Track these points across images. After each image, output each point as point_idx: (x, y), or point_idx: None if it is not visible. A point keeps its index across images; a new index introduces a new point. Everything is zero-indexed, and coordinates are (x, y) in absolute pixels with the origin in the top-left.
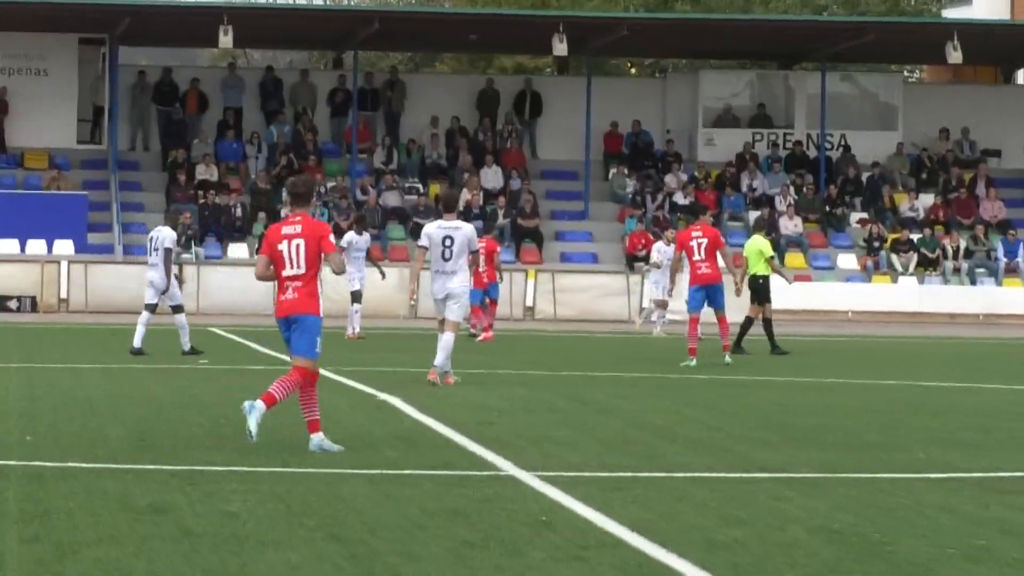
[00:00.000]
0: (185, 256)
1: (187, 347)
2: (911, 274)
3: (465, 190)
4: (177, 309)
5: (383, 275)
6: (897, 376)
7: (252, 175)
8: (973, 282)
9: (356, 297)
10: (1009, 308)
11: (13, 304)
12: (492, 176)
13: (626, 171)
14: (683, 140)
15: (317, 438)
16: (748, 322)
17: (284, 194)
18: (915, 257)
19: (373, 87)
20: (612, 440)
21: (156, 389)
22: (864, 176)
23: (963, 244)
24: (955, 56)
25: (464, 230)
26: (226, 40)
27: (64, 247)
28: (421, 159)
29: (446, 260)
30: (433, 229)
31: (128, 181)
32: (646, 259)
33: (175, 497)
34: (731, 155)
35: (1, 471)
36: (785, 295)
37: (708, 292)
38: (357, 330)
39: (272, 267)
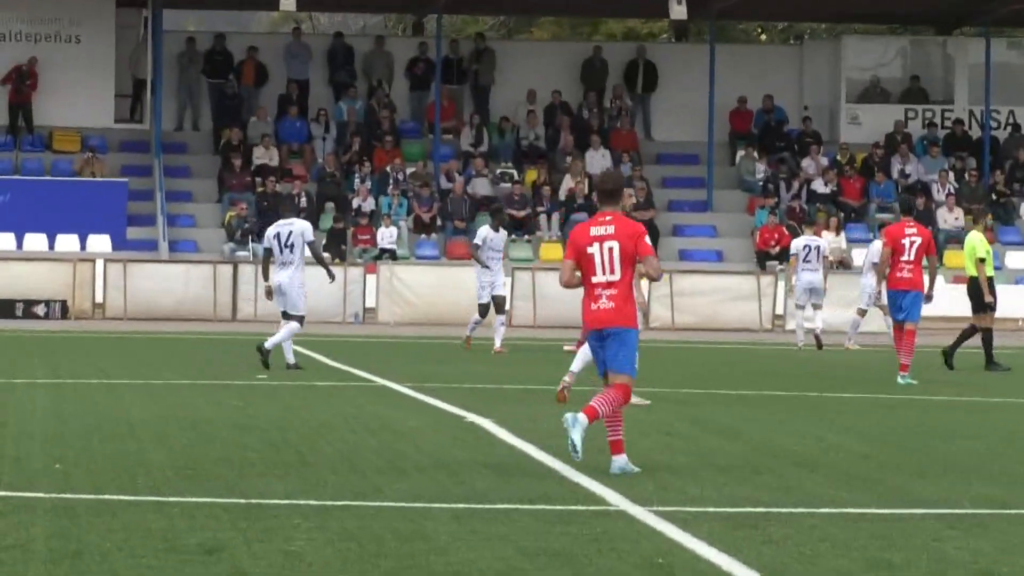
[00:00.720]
0: (240, 254)
1: (292, 360)
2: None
3: (568, 176)
4: (298, 318)
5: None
6: None
7: (319, 159)
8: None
9: (499, 306)
10: None
11: (41, 309)
12: (599, 160)
13: (756, 154)
14: (823, 118)
15: (621, 460)
16: (972, 331)
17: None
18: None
19: (459, 56)
20: (740, 470)
21: (206, 409)
22: None
23: None
24: None
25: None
26: (288, 2)
27: (100, 243)
28: (516, 140)
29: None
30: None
31: (174, 166)
32: (780, 257)
33: (229, 535)
34: (879, 135)
35: (27, 504)
36: (940, 300)
37: (908, 299)
38: (498, 345)
39: (578, 273)
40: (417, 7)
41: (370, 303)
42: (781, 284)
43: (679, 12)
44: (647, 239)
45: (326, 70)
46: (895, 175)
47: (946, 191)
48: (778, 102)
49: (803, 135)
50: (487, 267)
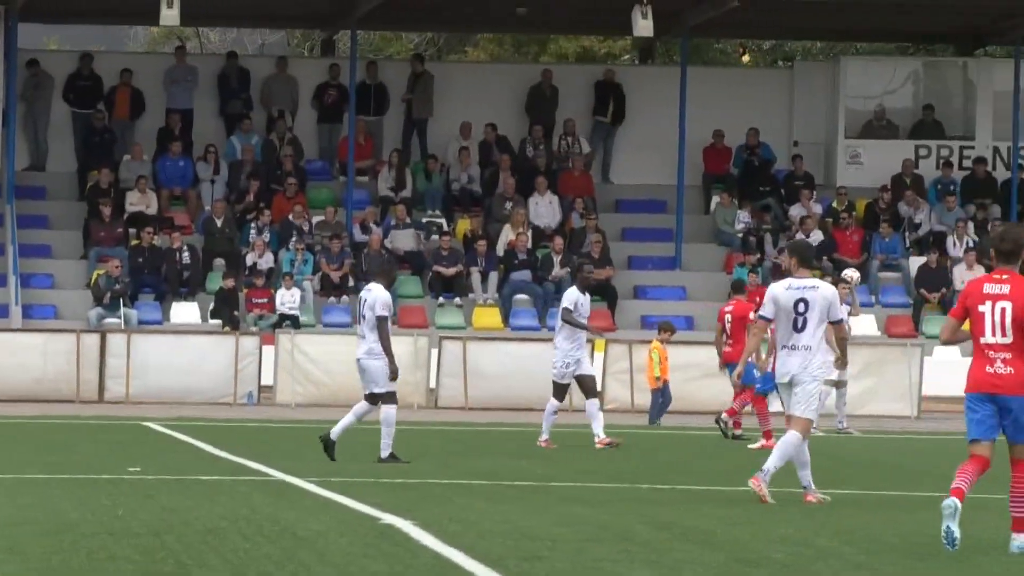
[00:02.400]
0: (109, 321)
1: (387, 452)
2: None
3: (508, 227)
4: (386, 398)
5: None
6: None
7: (206, 206)
8: None
9: (591, 388)
10: None
11: None
12: (545, 208)
13: (735, 200)
14: (817, 157)
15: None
16: None
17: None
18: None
19: (378, 81)
20: None
21: (71, 511)
22: None
23: None
24: None
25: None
26: (171, 15)
27: None
28: (445, 183)
29: (798, 331)
30: (783, 292)
31: (29, 215)
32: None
33: None
34: (885, 178)
35: None
36: (946, 377)
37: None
38: (601, 434)
39: (960, 331)
40: (326, 21)
41: (267, 380)
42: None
43: (644, 28)
44: None
45: (216, 98)
46: (903, 226)
47: (964, 245)
48: (763, 137)
49: (792, 177)
50: (573, 340)
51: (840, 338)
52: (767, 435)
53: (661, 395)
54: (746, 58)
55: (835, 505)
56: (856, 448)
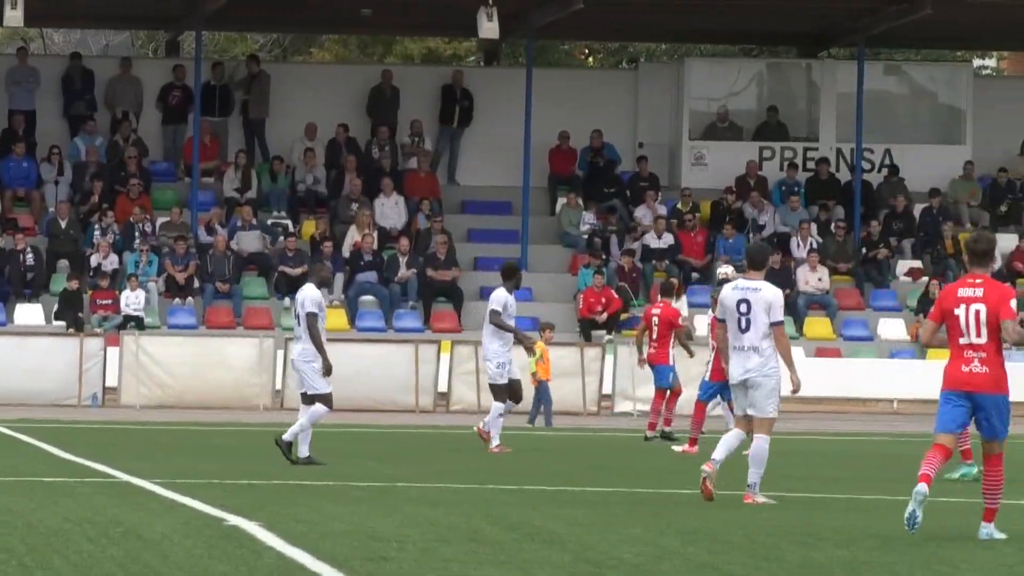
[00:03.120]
0: None
1: (305, 453)
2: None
3: (353, 228)
4: (322, 399)
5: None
6: (965, 492)
7: (50, 208)
8: None
9: (516, 392)
10: None
11: None
12: (391, 209)
13: (581, 202)
14: (661, 158)
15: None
16: None
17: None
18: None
19: (223, 82)
20: None
21: None
22: (917, 209)
23: None
24: None
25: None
26: (14, 16)
27: None
28: (291, 185)
29: (743, 331)
30: (728, 292)
31: None
32: (608, 326)
33: None
34: (729, 179)
35: None
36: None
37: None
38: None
39: (942, 334)
40: (171, 22)
41: (111, 382)
42: (609, 358)
43: (490, 30)
44: (1013, 303)
45: (60, 99)
46: (748, 227)
47: (808, 246)
48: (608, 139)
49: (637, 179)
50: (503, 340)
51: (777, 342)
52: (692, 442)
53: (540, 395)
54: (591, 60)
55: (680, 505)
56: (700, 446)
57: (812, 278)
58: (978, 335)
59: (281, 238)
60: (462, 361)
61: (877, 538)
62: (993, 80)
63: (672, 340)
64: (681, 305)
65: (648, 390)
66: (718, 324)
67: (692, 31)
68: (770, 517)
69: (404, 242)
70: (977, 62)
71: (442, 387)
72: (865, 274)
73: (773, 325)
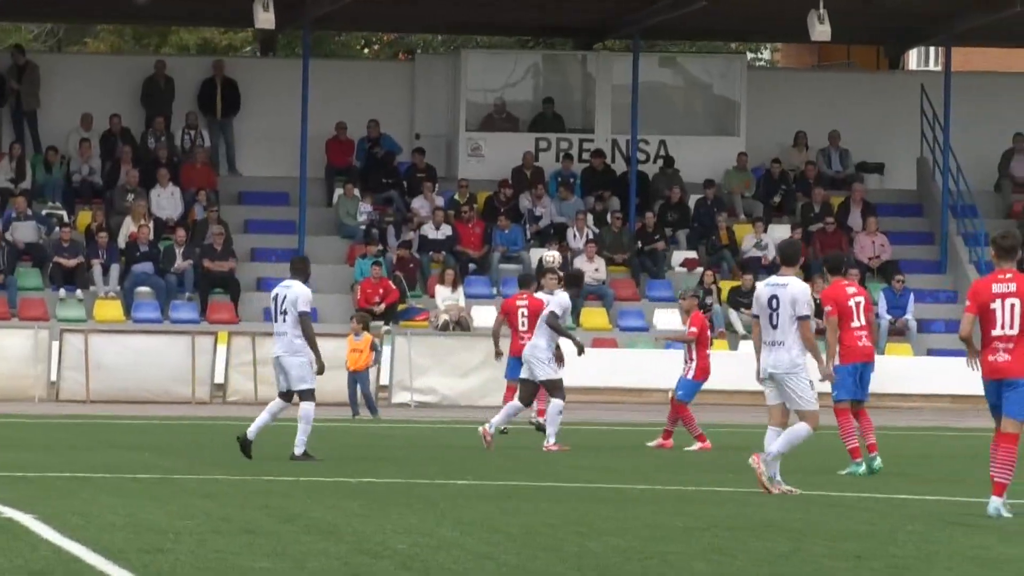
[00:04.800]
0: None
1: (300, 449)
2: (745, 337)
3: (129, 219)
4: (305, 395)
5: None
6: (732, 482)
7: None
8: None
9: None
10: (893, 384)
11: None
12: (167, 200)
13: (358, 193)
14: (438, 149)
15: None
16: None
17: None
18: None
19: None
20: (334, 575)
21: None
22: (692, 200)
23: None
24: (821, 31)
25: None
26: None
27: None
28: (66, 175)
29: (773, 327)
30: (761, 288)
31: None
32: (385, 316)
33: None
34: (506, 171)
35: None
36: (578, 369)
37: (863, 373)
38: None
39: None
40: None
41: None
42: (387, 349)
43: (266, 20)
44: None
45: None
46: (524, 218)
47: (584, 237)
48: (385, 130)
49: (415, 170)
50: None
51: (802, 336)
52: (700, 438)
53: (361, 386)
54: (367, 51)
55: (457, 496)
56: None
57: (589, 268)
58: (1011, 327)
59: (56, 229)
60: (239, 352)
61: (652, 527)
62: (767, 72)
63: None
64: (458, 296)
65: (425, 381)
66: (753, 320)
67: (468, 23)
68: (547, 507)
69: (180, 233)
70: (752, 55)
71: (219, 378)
72: (641, 265)
73: (799, 319)
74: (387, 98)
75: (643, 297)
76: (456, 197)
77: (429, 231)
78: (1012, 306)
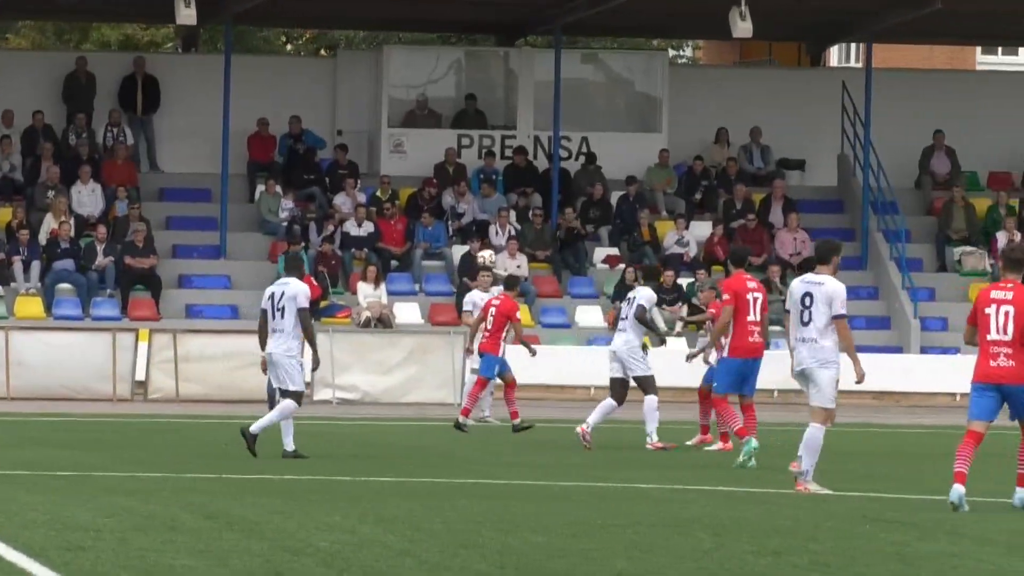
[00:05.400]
0: None
1: (290, 448)
2: (679, 334)
3: (50, 216)
4: (293, 395)
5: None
6: (655, 478)
7: None
8: (767, 345)
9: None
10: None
11: None
12: (88, 197)
13: (280, 189)
14: (360, 145)
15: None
16: None
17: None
18: (685, 310)
19: None
20: (256, 572)
21: None
22: (614, 197)
23: None
24: (743, 28)
25: None
26: None
27: None
28: None
29: (804, 324)
30: (795, 285)
31: None
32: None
33: None
34: (428, 167)
35: None
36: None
37: (752, 368)
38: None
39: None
40: None
41: None
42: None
43: (187, 16)
44: None
45: None
46: (446, 215)
47: (507, 233)
48: (307, 125)
49: (337, 166)
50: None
51: (840, 335)
52: (724, 437)
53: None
54: (289, 47)
55: (379, 493)
56: (399, 435)
57: (511, 265)
58: (1005, 332)
59: None
60: (160, 349)
61: (574, 524)
62: (689, 69)
63: (506, 334)
64: (380, 293)
65: (347, 378)
66: (785, 316)
67: (391, 19)
68: (467, 504)
69: (102, 230)
70: (673, 52)
71: (140, 376)
72: (563, 261)
73: (835, 318)
74: (309, 94)
75: (565, 294)
76: (378, 194)
77: (351, 228)
78: (1006, 312)
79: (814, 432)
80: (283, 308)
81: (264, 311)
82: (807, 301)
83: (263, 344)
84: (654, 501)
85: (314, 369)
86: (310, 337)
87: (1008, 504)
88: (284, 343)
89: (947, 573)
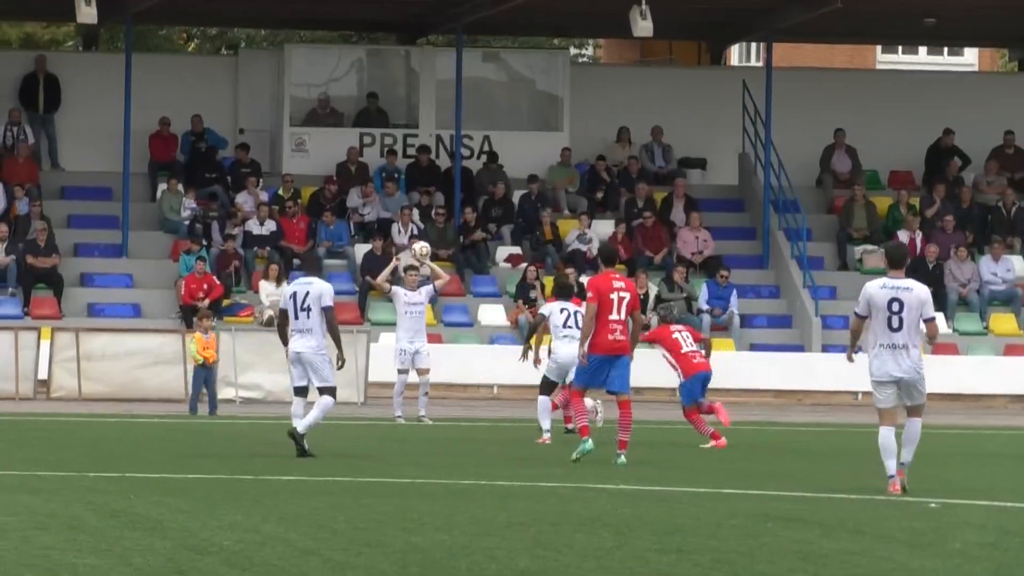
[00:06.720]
0: None
1: (304, 428)
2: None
3: None
4: (330, 391)
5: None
6: (559, 477)
7: None
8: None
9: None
10: (716, 379)
11: None
12: None
13: (181, 188)
14: (263, 144)
15: None
16: None
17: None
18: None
19: None
20: (159, 571)
21: None
22: (516, 195)
23: (653, 289)
24: (643, 27)
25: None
26: None
27: None
28: None
29: (895, 330)
30: (877, 291)
31: None
32: (213, 312)
33: None
34: (330, 166)
35: None
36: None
37: (611, 366)
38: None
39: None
40: None
41: None
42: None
43: (88, 15)
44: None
45: None
46: (349, 214)
47: (409, 232)
48: (209, 124)
49: (239, 165)
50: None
51: (930, 336)
52: (715, 436)
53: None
54: (191, 46)
55: (282, 492)
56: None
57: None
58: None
59: None
60: (63, 348)
61: (478, 523)
62: (590, 68)
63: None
64: (282, 292)
65: (250, 376)
66: (858, 319)
67: (291, 17)
68: (372, 503)
69: (3, 228)
70: (575, 51)
71: (42, 374)
72: (465, 260)
73: (927, 322)
74: (211, 93)
75: (467, 292)
76: (280, 192)
77: (253, 226)
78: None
79: (916, 426)
80: (308, 308)
81: (284, 311)
82: (895, 307)
83: (285, 342)
84: (558, 499)
85: (340, 367)
86: (335, 335)
87: (912, 502)
88: (314, 341)
89: (849, 571)
